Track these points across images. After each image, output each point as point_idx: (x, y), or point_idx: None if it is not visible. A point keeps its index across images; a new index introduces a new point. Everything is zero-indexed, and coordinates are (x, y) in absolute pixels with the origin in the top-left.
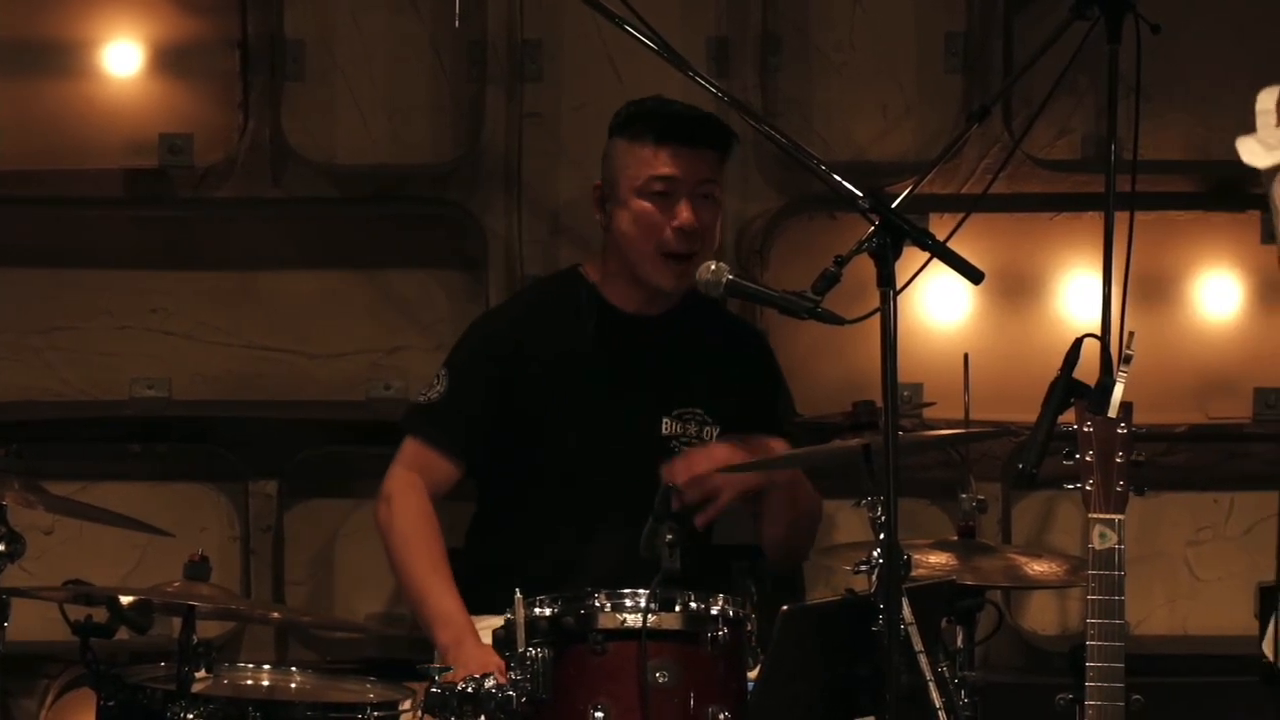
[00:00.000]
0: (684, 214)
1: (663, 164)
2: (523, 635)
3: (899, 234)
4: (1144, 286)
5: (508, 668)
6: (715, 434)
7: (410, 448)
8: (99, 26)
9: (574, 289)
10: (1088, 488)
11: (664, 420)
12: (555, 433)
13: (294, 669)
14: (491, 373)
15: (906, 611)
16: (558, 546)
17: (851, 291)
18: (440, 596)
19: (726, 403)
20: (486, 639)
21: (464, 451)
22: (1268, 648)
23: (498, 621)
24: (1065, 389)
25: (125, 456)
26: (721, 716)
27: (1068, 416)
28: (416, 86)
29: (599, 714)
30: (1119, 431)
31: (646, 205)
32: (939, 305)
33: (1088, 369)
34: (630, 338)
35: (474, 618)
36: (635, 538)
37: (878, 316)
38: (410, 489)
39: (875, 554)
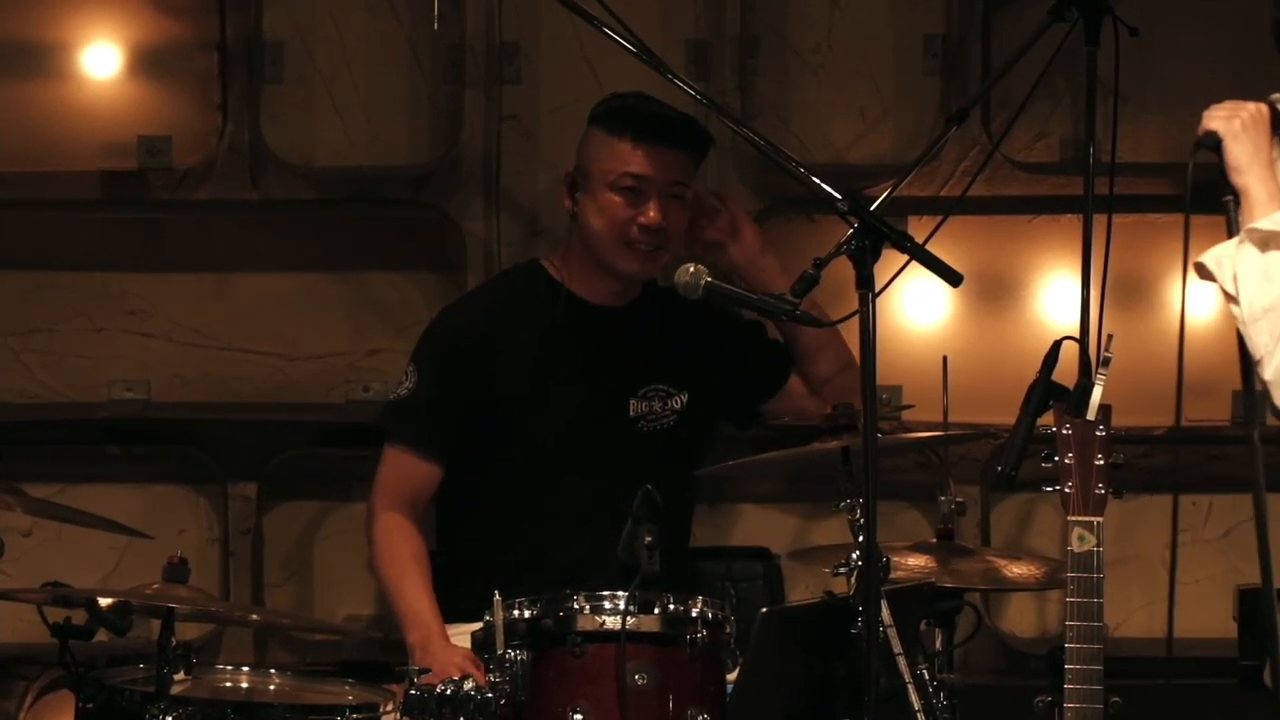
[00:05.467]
0: (652, 213)
1: (637, 162)
2: (501, 637)
3: (878, 236)
4: (1123, 289)
5: (486, 670)
6: (684, 401)
7: (390, 457)
8: (77, 28)
9: (537, 280)
10: (1066, 490)
11: (630, 402)
12: (522, 421)
13: (273, 671)
14: (457, 363)
15: (885, 614)
16: (530, 534)
17: (830, 293)
18: (411, 598)
19: (697, 368)
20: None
21: (440, 447)
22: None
23: (466, 629)
24: (1044, 391)
25: (104, 459)
26: (700, 718)
27: (1046, 419)
28: (395, 89)
29: (578, 716)
30: (1098, 434)
31: (615, 199)
32: (918, 307)
33: (1066, 371)
34: (595, 327)
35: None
36: (607, 524)
37: (856, 319)
38: (391, 501)
39: (854, 556)
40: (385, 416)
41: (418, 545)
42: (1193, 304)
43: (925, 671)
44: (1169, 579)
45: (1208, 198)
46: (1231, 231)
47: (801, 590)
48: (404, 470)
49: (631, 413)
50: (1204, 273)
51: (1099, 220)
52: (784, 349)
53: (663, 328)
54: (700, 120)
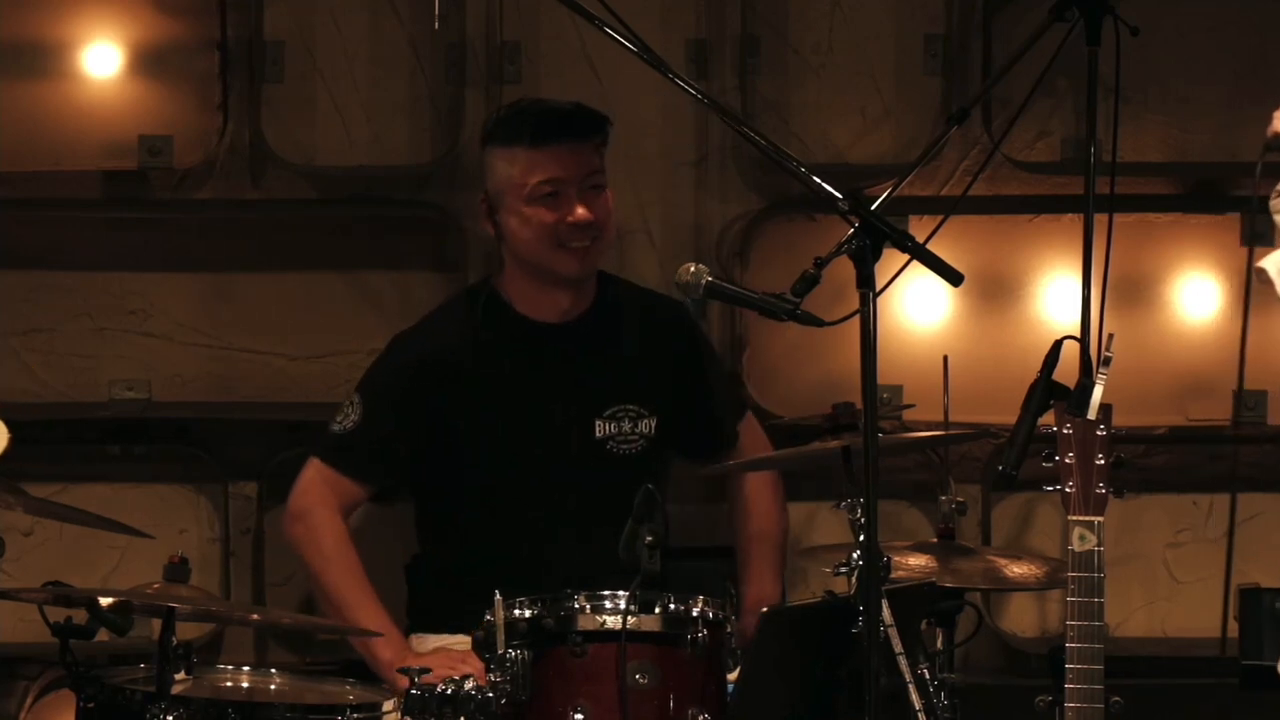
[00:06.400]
0: (578, 210)
1: (543, 167)
2: (502, 637)
3: (878, 236)
4: (1123, 288)
5: (487, 669)
6: (653, 426)
7: (318, 468)
8: (78, 28)
9: (489, 305)
10: (1067, 490)
11: (596, 423)
12: (488, 450)
13: (274, 671)
14: (407, 399)
15: (886, 613)
16: (498, 553)
17: (831, 293)
18: (375, 613)
19: (660, 389)
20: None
21: (373, 477)
22: None
23: (436, 640)
24: (1045, 391)
25: (104, 458)
26: (701, 718)
27: (1047, 418)
28: (396, 89)
29: (579, 715)
30: (1098, 433)
31: (538, 209)
32: (918, 307)
33: (1067, 371)
34: (551, 348)
35: (420, 636)
36: (586, 546)
37: (857, 318)
38: (323, 507)
39: (855, 556)
40: (325, 448)
41: (359, 559)
42: (1193, 304)
43: (926, 671)
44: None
45: (1208, 198)
46: None
47: (802, 590)
48: (336, 486)
49: (598, 434)
50: (1264, 277)
51: (1100, 220)
52: (717, 397)
53: (617, 341)
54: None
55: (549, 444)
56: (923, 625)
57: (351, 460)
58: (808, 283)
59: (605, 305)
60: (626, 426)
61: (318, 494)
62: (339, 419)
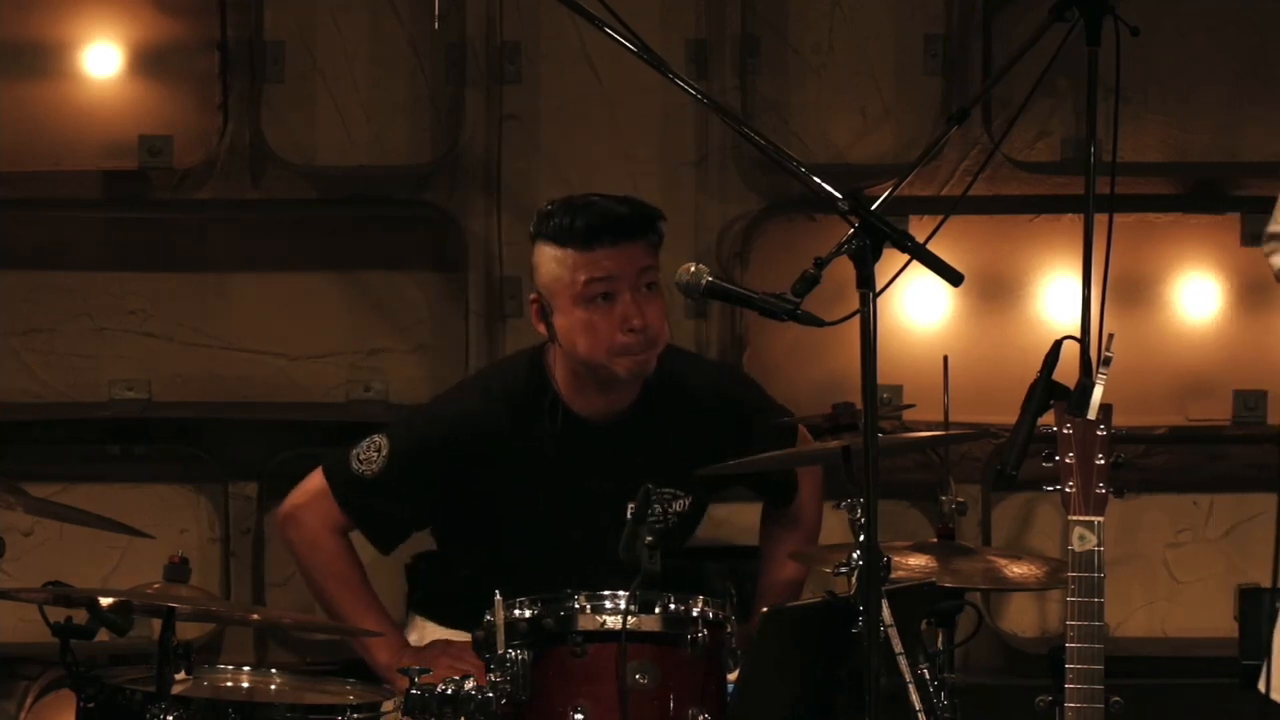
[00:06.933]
0: (632, 318)
1: (597, 266)
2: (502, 637)
3: (878, 236)
4: (1123, 288)
5: (487, 669)
6: (687, 504)
7: (324, 489)
8: (78, 28)
9: (539, 392)
10: (1067, 490)
11: (629, 506)
12: (519, 519)
13: (274, 671)
14: (438, 465)
15: (886, 614)
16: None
17: (831, 293)
18: (377, 617)
19: (700, 472)
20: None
21: (377, 531)
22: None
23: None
24: (1045, 391)
25: (105, 458)
26: (701, 718)
27: (1047, 418)
28: (396, 88)
29: (579, 715)
30: (1099, 433)
31: (590, 313)
32: (918, 307)
33: (1067, 371)
34: (595, 444)
35: (422, 620)
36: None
37: (857, 318)
38: (320, 518)
39: (855, 556)
40: (343, 484)
41: (357, 560)
42: (1193, 304)
43: (926, 671)
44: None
45: (1208, 198)
46: None
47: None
48: (335, 513)
49: (629, 515)
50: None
51: (1100, 220)
52: (788, 482)
53: (667, 431)
54: (642, 200)
55: (581, 520)
56: (923, 625)
57: (358, 505)
58: (808, 283)
59: (652, 398)
60: (658, 510)
61: (316, 508)
62: (361, 456)
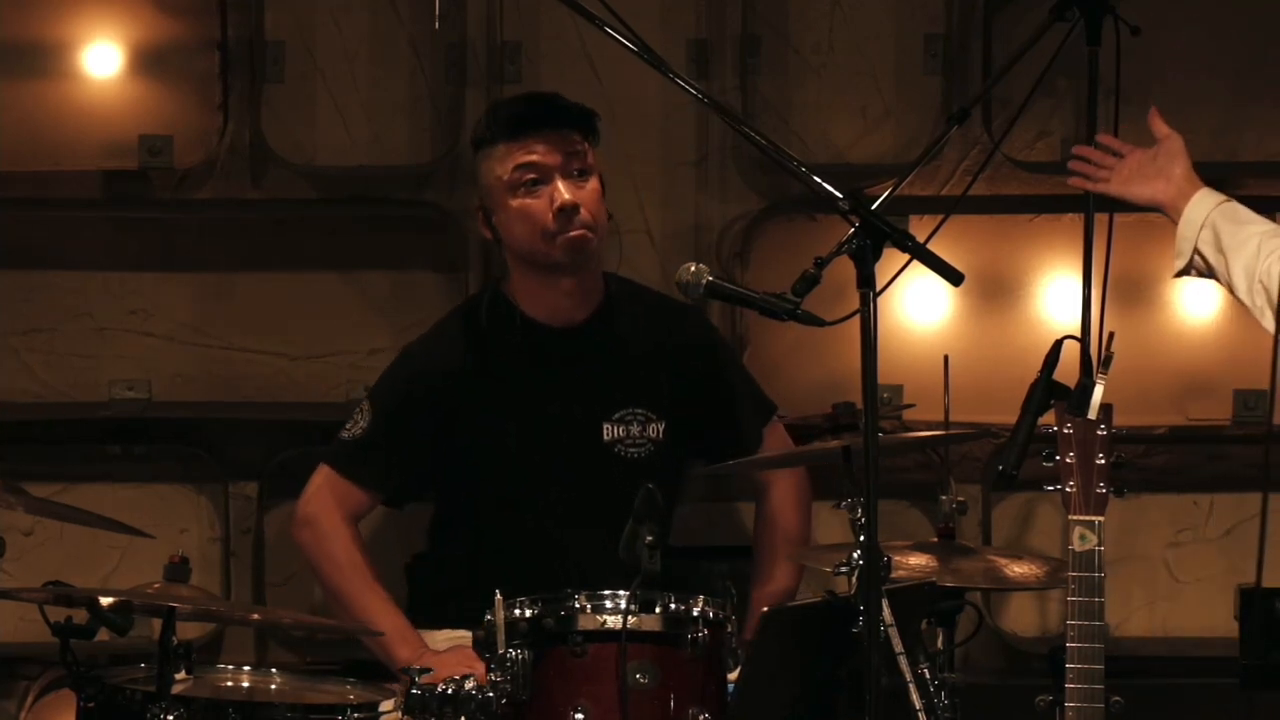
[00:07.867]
0: (559, 195)
1: (526, 152)
2: (502, 637)
3: (879, 235)
4: (1124, 288)
5: (488, 669)
6: (661, 430)
7: (327, 475)
8: (78, 28)
9: (497, 310)
10: (1068, 489)
11: (604, 425)
12: (496, 454)
13: (274, 670)
14: (416, 408)
15: (886, 613)
16: (515, 561)
17: (831, 293)
18: (392, 615)
19: (672, 394)
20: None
21: (382, 486)
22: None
23: (447, 635)
24: (1045, 390)
25: (105, 458)
26: (701, 718)
27: (1048, 418)
28: (396, 88)
29: (579, 715)
30: (1099, 433)
31: (523, 200)
32: (919, 307)
33: (1067, 370)
34: (558, 351)
35: (425, 632)
36: (592, 550)
37: (857, 318)
38: (331, 512)
39: (855, 556)
40: (334, 455)
41: (370, 563)
42: (1193, 304)
43: (926, 671)
44: None
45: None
46: None
47: (802, 590)
48: (341, 491)
49: (606, 437)
50: None
51: (1100, 220)
52: (741, 402)
53: (625, 344)
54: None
55: (556, 448)
56: (923, 625)
57: (359, 467)
58: (808, 282)
59: (612, 307)
60: (635, 430)
61: (325, 500)
62: (349, 426)
